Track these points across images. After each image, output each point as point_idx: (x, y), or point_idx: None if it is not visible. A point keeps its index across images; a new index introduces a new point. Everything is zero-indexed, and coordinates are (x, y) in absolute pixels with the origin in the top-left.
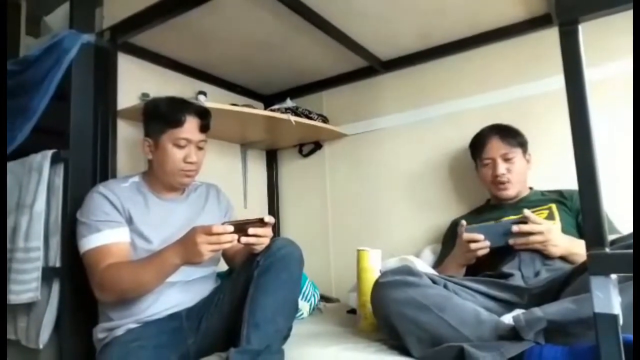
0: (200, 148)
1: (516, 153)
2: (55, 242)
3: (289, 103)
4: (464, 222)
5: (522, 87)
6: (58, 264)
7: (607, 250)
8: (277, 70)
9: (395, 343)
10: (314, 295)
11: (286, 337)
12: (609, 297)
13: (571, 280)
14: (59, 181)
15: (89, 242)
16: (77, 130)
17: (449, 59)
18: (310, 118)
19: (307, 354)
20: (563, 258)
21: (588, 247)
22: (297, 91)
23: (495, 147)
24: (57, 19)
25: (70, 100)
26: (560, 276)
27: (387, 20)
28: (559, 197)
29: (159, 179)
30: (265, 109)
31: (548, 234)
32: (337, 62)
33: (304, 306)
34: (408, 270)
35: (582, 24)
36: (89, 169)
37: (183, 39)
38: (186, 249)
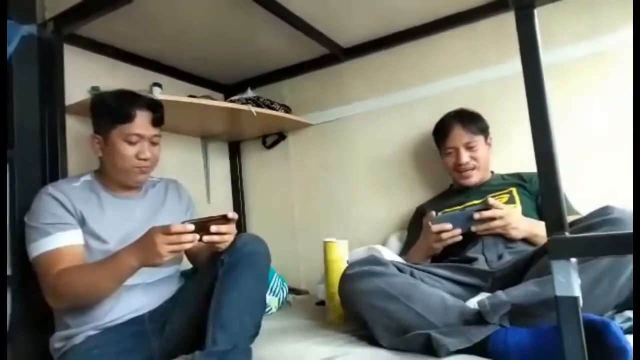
0: (154, 143)
1: (478, 140)
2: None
3: (249, 93)
4: (433, 213)
5: (482, 71)
6: (9, 272)
7: (567, 234)
8: (237, 59)
9: (364, 333)
10: (282, 289)
11: (254, 335)
12: (569, 281)
13: (533, 262)
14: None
15: (39, 246)
16: (22, 129)
17: (410, 45)
18: (273, 108)
19: (276, 350)
20: (525, 240)
21: (548, 232)
22: (258, 81)
23: (458, 136)
24: None
25: (13, 97)
26: (522, 259)
27: (345, 6)
28: (519, 181)
29: (111, 177)
30: (226, 99)
31: (508, 217)
32: (298, 50)
33: (272, 301)
34: (374, 260)
35: (537, 8)
36: (37, 169)
37: (134, 28)
38: (144, 250)
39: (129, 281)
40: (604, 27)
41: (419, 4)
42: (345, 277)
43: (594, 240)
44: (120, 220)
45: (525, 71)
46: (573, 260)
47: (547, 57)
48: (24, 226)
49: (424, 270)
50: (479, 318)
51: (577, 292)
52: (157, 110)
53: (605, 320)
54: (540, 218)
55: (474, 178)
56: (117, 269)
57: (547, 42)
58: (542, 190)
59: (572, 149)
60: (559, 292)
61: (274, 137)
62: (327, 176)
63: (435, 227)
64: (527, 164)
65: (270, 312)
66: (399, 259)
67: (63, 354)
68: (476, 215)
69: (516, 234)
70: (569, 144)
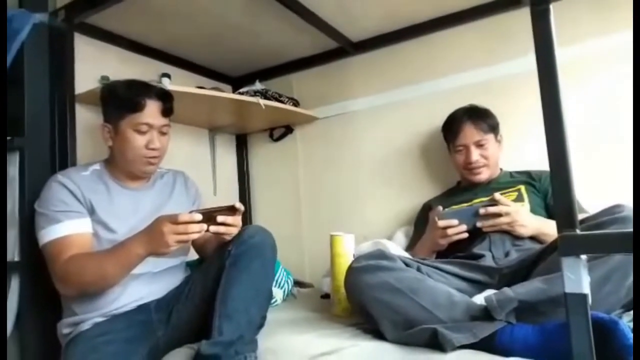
0: (163, 133)
1: (489, 138)
2: (13, 235)
3: (258, 86)
4: (440, 208)
5: (493, 68)
6: (17, 258)
7: (578, 231)
8: (246, 52)
9: (370, 327)
10: (287, 282)
11: (260, 326)
12: (579, 278)
13: (541, 259)
14: (14, 171)
15: (49, 233)
16: (33, 117)
17: (420, 40)
18: (281, 101)
19: (281, 342)
20: (533, 238)
21: (559, 229)
22: (267, 73)
23: (469, 135)
24: None
25: (24, 85)
26: (530, 256)
27: (356, 0)
28: (528, 179)
29: (120, 166)
30: (234, 91)
31: (515, 215)
32: (307, 44)
33: (277, 293)
34: (381, 255)
35: (553, 3)
36: (47, 157)
37: (144, 19)
38: (151, 239)
39: (136, 270)
40: (617, 25)
41: None
42: (352, 271)
43: (605, 237)
44: (128, 211)
45: (540, 68)
46: (583, 257)
47: (559, 54)
48: (34, 213)
49: (430, 266)
50: (485, 314)
51: (587, 290)
52: (167, 100)
53: (614, 318)
54: (549, 216)
55: (484, 175)
56: (124, 258)
57: (559, 39)
58: (553, 187)
59: (581, 146)
60: (568, 289)
61: (281, 130)
62: (334, 170)
63: (442, 223)
64: (537, 161)
65: (275, 304)
66: (405, 254)
67: (70, 340)
68: (481, 211)
69: (524, 231)
70: (578, 142)
